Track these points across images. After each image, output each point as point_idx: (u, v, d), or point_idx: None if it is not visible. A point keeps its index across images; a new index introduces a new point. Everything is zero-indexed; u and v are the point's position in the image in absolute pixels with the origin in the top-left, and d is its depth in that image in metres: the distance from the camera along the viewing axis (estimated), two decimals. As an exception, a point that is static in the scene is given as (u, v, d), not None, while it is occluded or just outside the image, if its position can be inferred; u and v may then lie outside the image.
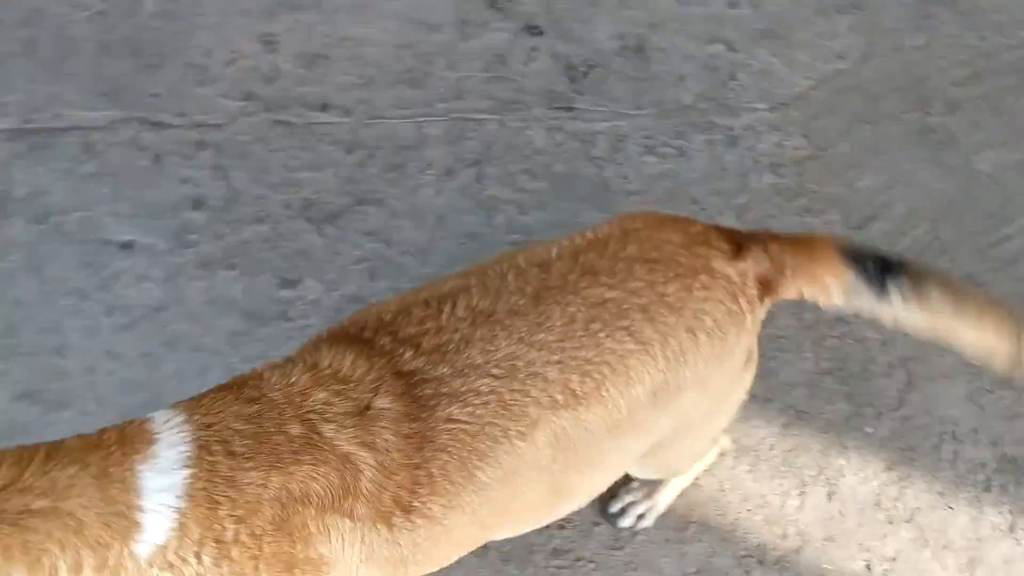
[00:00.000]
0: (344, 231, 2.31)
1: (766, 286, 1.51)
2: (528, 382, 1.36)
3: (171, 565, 1.19)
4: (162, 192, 2.33)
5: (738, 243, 1.51)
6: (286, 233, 2.31)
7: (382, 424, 1.30)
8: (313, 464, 1.26)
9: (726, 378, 1.55)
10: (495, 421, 1.34)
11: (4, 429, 2.00)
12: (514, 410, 1.35)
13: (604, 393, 1.39)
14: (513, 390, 1.35)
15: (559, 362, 1.37)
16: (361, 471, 1.28)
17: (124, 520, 1.15)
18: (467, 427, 1.33)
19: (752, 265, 1.50)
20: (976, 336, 1.49)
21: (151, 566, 1.18)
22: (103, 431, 1.22)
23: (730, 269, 1.47)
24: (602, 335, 1.39)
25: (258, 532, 1.22)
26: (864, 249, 1.53)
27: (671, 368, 1.43)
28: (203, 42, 2.54)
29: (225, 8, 2.59)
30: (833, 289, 1.52)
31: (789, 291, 1.54)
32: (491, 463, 1.35)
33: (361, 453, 1.28)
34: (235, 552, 1.21)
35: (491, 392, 1.34)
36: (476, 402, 1.34)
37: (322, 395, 1.31)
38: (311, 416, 1.29)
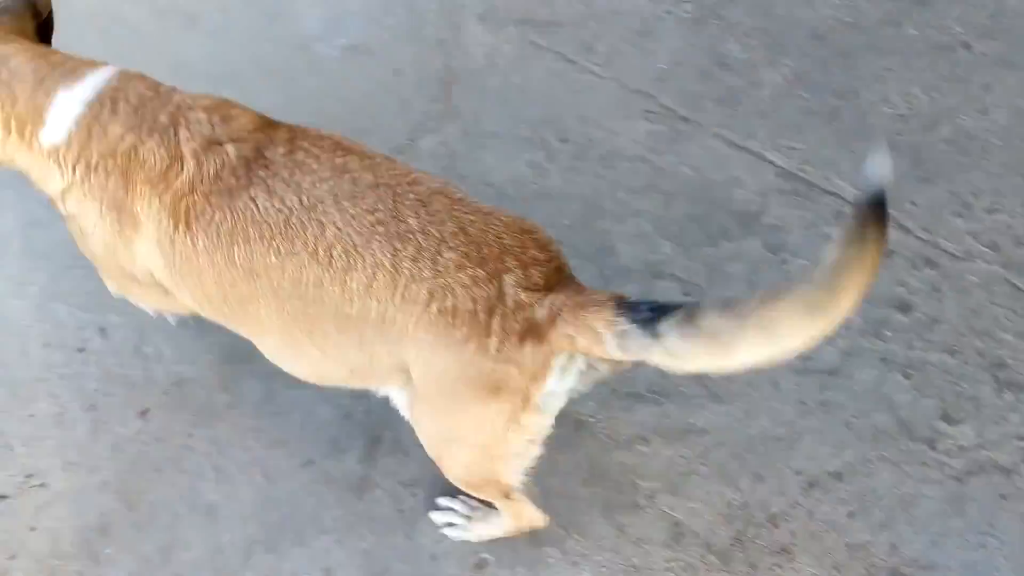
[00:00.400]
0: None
1: (534, 331, 1.53)
2: (313, 222, 1.60)
3: (58, 164, 1.73)
4: (878, 285, 2.54)
5: (551, 286, 1.57)
6: (968, 376, 2.41)
7: (222, 157, 1.67)
8: (157, 144, 1.67)
9: (450, 379, 1.60)
10: (273, 227, 1.62)
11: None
12: (289, 232, 1.61)
13: (347, 279, 1.59)
14: (301, 219, 1.61)
15: (338, 228, 1.59)
16: (182, 173, 1.66)
17: (38, 114, 1.74)
18: (255, 212, 1.64)
19: (538, 308, 1.54)
20: (769, 333, 1.35)
21: (47, 157, 1.74)
22: (61, 55, 1.81)
23: (512, 291, 1.56)
24: (377, 239, 1.58)
25: (109, 169, 1.68)
26: (637, 299, 1.52)
27: (401, 309, 1.57)
28: (974, 185, 2.72)
29: (1008, 164, 2.75)
30: (607, 338, 1.49)
31: (561, 341, 1.53)
32: (248, 251, 1.64)
33: (191, 160, 1.66)
34: (94, 178, 1.70)
35: (290, 208, 1.62)
36: (276, 206, 1.63)
37: (202, 116, 1.71)
38: (179, 119, 1.70)
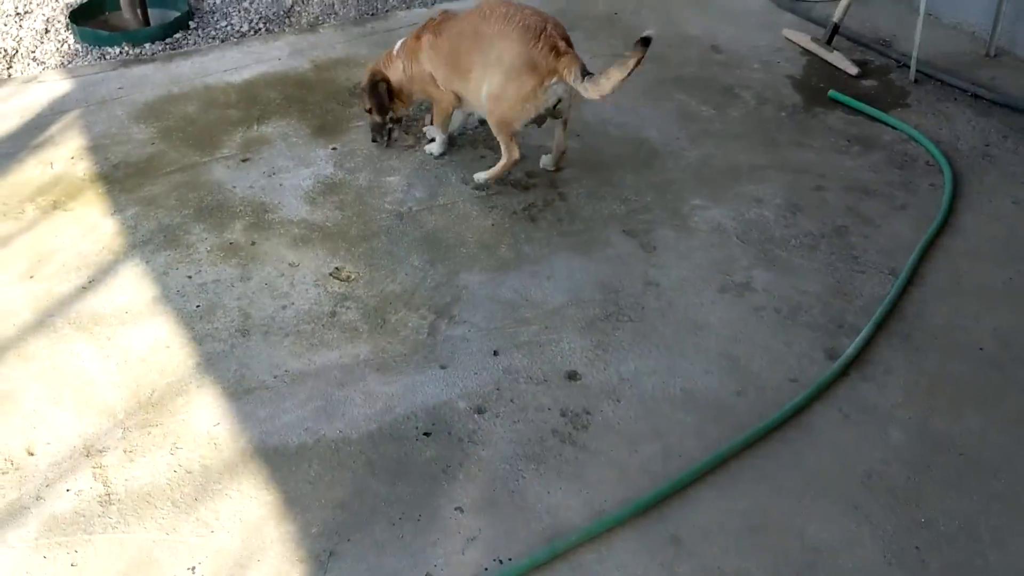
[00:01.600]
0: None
1: (554, 52, 3.78)
2: (468, 37, 3.99)
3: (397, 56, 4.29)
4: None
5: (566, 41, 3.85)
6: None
7: (429, 34, 4.15)
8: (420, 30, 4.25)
9: (515, 63, 3.80)
10: (457, 35, 4.05)
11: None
12: (460, 34, 4.06)
13: (493, 45, 3.90)
14: (464, 30, 4.03)
15: (486, 31, 3.92)
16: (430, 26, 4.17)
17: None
18: (451, 31, 4.08)
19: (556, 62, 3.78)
20: (610, 81, 3.66)
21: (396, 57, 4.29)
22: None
23: (550, 36, 3.81)
24: (500, 33, 3.87)
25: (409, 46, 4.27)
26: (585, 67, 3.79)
27: (505, 42, 3.85)
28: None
29: None
30: (575, 75, 3.74)
31: (560, 68, 3.77)
32: (453, 42, 4.06)
33: (431, 27, 4.18)
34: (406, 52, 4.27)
35: (460, 30, 4.05)
36: (455, 29, 4.09)
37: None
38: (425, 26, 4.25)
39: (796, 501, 2.76)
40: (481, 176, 4.16)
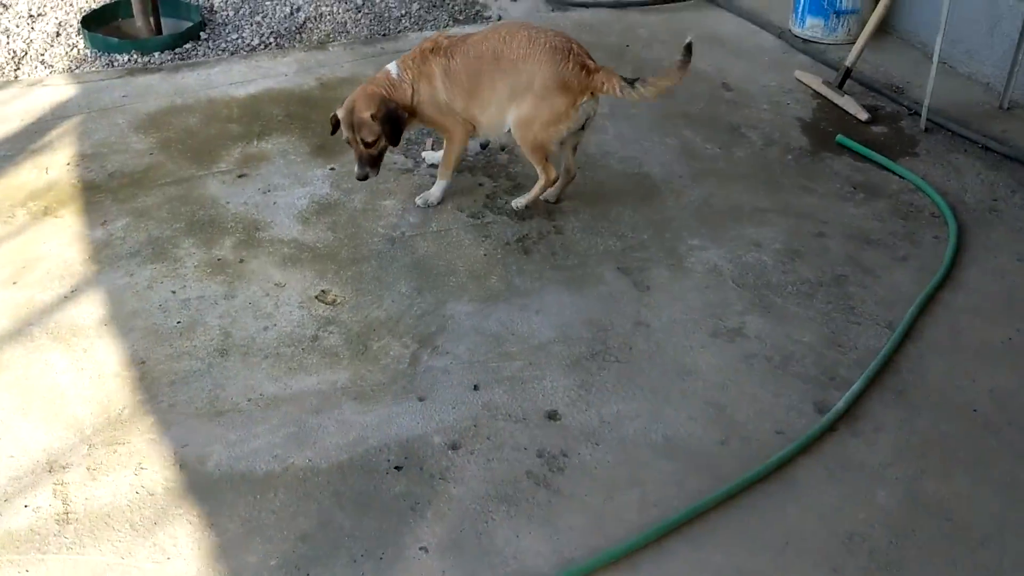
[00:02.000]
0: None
1: (586, 72, 3.80)
2: (488, 60, 3.89)
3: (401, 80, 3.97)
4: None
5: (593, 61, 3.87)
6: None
7: (441, 57, 3.95)
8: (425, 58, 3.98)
9: (547, 84, 3.79)
10: (473, 59, 3.92)
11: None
12: (477, 59, 3.92)
13: (516, 67, 3.87)
14: (480, 53, 3.92)
15: (511, 53, 3.87)
16: (438, 50, 3.98)
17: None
18: (465, 55, 3.93)
19: (589, 65, 3.83)
20: (656, 89, 3.80)
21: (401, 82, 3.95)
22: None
23: (579, 56, 3.83)
24: (528, 55, 3.85)
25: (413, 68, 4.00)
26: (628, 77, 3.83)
27: (536, 65, 3.83)
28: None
29: None
30: (618, 86, 3.77)
31: (596, 84, 3.79)
32: (470, 66, 3.91)
33: (443, 50, 3.96)
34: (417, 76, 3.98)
35: (477, 54, 3.92)
36: (472, 53, 3.93)
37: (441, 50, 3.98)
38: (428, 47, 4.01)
39: (773, 559, 2.66)
40: (520, 202, 4.10)
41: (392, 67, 3.96)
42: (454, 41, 3.95)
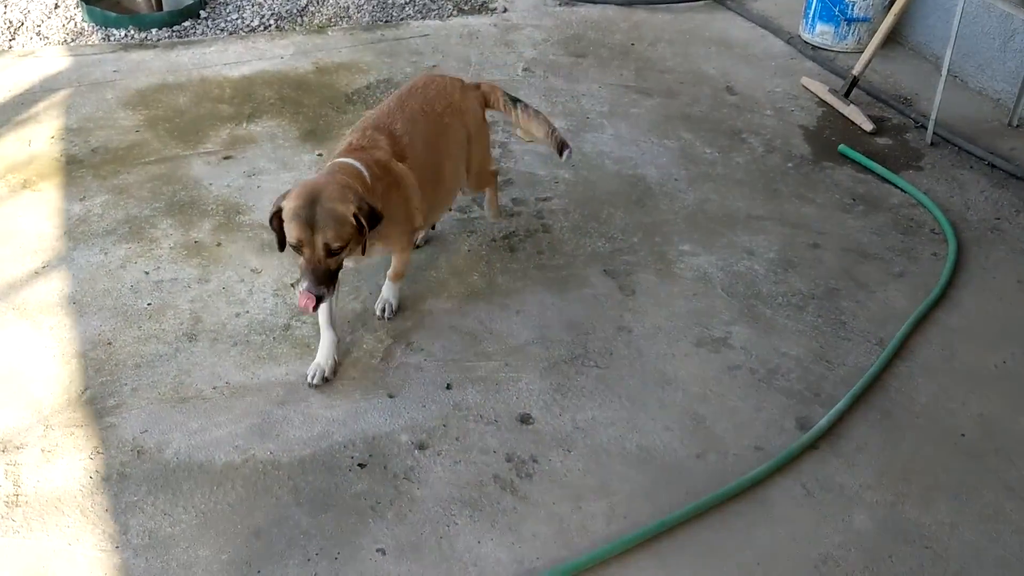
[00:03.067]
0: None
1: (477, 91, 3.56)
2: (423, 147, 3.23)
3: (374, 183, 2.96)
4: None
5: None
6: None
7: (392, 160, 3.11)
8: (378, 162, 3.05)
9: (477, 119, 3.54)
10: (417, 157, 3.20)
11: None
12: (423, 155, 3.23)
13: (448, 155, 3.37)
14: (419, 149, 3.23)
15: (430, 142, 3.29)
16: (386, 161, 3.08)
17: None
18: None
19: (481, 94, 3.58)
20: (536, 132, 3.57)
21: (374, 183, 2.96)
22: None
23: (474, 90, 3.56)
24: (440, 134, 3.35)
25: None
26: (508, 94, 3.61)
27: (462, 120, 3.44)
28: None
29: None
30: (502, 105, 3.58)
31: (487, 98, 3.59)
32: (418, 150, 3.20)
33: (391, 162, 3.09)
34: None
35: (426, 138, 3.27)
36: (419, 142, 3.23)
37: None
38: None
39: (741, 581, 2.57)
40: (492, 213, 3.90)
41: (357, 164, 2.95)
42: (385, 133, 3.15)
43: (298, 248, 2.77)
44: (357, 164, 2.95)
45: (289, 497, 2.71)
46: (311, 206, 2.72)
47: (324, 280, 2.77)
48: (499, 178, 4.03)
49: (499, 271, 3.65)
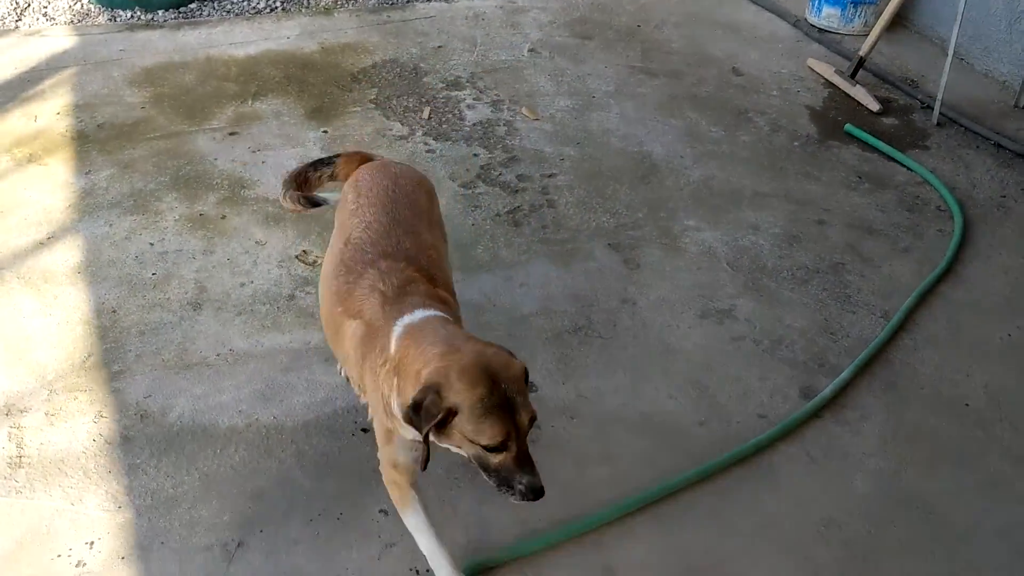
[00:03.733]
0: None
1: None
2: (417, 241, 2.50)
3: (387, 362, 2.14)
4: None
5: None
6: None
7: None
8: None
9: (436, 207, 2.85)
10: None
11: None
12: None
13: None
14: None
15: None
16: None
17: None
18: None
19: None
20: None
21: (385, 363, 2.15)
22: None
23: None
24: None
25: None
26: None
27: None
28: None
29: None
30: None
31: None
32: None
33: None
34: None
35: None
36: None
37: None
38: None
39: (744, 543, 2.56)
40: None
41: (439, 312, 2.25)
42: (404, 261, 2.38)
43: (501, 447, 2.00)
44: (440, 313, 2.22)
45: (292, 460, 2.71)
46: (496, 386, 1.98)
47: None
48: (507, 155, 4.04)
49: (503, 245, 3.65)
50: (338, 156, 2.89)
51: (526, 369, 2.07)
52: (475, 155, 4.20)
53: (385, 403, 2.18)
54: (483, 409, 1.95)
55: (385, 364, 2.15)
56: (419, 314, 2.18)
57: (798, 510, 2.66)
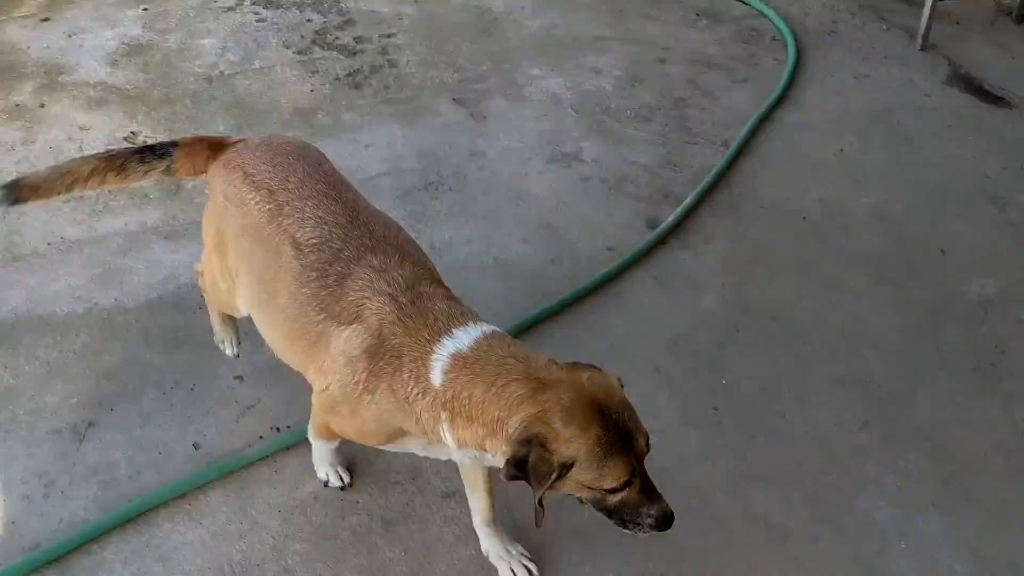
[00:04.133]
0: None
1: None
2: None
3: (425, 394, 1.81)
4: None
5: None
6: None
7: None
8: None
9: None
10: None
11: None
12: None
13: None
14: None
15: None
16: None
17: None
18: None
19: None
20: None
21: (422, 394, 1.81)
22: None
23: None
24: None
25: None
26: None
27: None
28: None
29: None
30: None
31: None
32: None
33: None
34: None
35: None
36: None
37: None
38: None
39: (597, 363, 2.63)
40: None
41: (498, 328, 1.97)
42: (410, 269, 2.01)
43: (624, 486, 1.74)
44: (487, 329, 1.92)
45: (139, 339, 2.63)
46: (608, 421, 1.70)
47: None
48: (341, 18, 3.89)
49: (345, 108, 3.55)
50: (174, 145, 2.21)
51: (623, 393, 1.78)
52: (308, 20, 4.03)
53: (429, 429, 1.85)
54: (602, 453, 1.68)
55: (423, 396, 1.81)
56: (463, 337, 1.85)
57: (648, 331, 2.75)
